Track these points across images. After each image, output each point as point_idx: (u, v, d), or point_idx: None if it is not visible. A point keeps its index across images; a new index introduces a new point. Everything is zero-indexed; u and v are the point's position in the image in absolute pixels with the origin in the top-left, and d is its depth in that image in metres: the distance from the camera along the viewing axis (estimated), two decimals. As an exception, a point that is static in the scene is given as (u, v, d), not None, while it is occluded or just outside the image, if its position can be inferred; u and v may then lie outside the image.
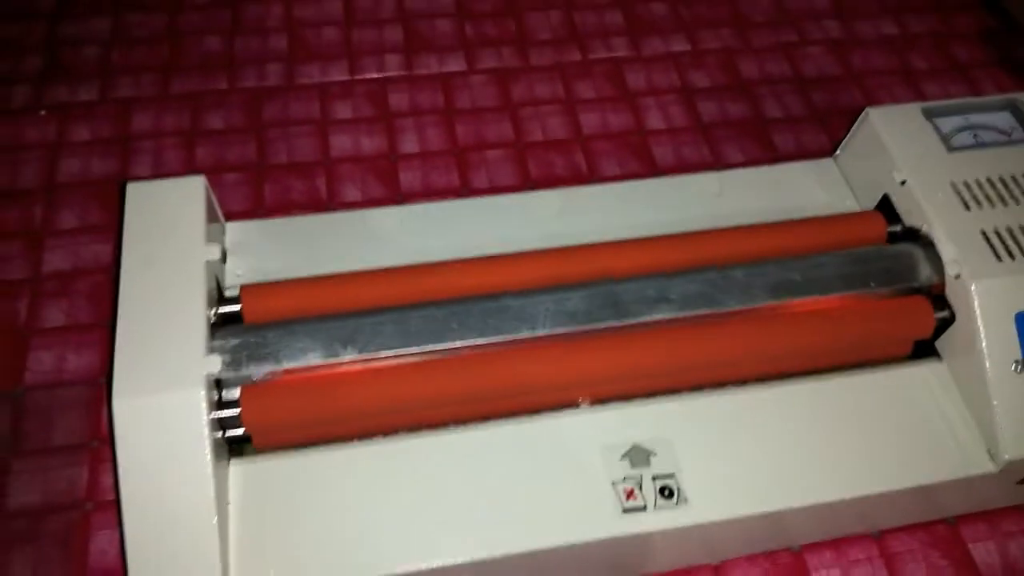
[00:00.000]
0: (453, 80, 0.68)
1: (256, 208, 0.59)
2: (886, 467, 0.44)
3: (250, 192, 0.60)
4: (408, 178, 0.62)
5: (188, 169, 0.61)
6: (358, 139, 0.63)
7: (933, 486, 0.44)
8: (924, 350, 0.48)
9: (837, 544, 0.47)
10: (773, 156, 0.64)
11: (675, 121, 0.66)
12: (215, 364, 0.39)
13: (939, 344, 0.47)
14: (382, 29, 0.71)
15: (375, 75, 0.67)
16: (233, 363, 0.41)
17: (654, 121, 0.66)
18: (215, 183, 0.60)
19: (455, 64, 0.69)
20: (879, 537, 0.48)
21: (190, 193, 0.45)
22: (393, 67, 0.68)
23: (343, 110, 0.65)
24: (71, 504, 0.47)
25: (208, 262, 0.43)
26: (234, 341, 0.41)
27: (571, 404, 0.45)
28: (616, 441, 0.43)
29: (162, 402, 0.38)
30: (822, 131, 0.66)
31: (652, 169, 0.63)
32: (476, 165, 0.63)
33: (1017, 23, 0.74)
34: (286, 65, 0.68)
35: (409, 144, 0.63)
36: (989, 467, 0.44)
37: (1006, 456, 0.43)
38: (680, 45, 0.71)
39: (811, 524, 0.46)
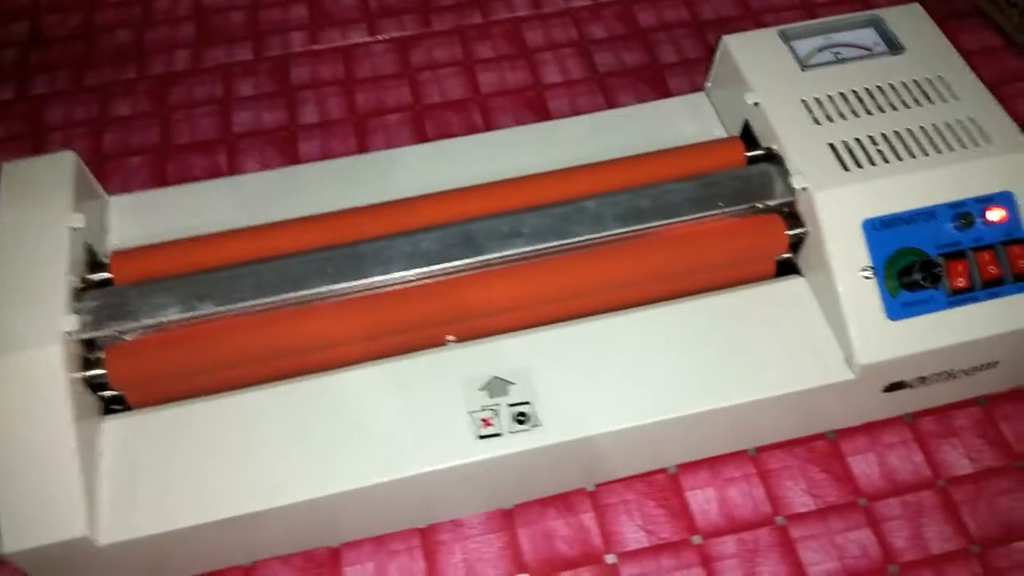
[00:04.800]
0: (355, 51, 0.69)
1: (159, 187, 0.61)
2: (748, 378, 0.44)
3: (153, 172, 0.62)
4: (307, 147, 0.63)
5: (95, 156, 0.63)
6: (259, 114, 0.65)
7: (795, 395, 0.45)
8: (789, 269, 0.48)
9: (712, 463, 0.48)
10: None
11: (572, 74, 0.67)
12: (73, 322, 0.41)
13: (799, 260, 0.48)
14: (287, 8, 0.73)
15: (278, 52, 0.69)
16: (95, 322, 0.43)
17: (551, 75, 0.67)
18: (121, 167, 0.63)
19: (357, 36, 0.70)
20: (755, 455, 0.49)
21: (59, 167, 0.47)
22: (297, 44, 0.70)
23: (246, 88, 0.67)
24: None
25: (75, 229, 0.45)
26: (95, 302, 0.43)
27: (439, 343, 0.46)
28: (477, 374, 0.44)
29: (22, 360, 0.40)
30: (717, 70, 0.66)
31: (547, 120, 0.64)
32: (375, 130, 0.64)
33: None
34: (192, 50, 0.70)
35: (310, 115, 0.65)
36: (848, 374, 0.44)
37: (860, 362, 0.44)
38: (580, 0, 0.72)
39: (683, 442, 0.47)
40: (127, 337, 0.44)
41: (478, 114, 0.65)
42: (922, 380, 0.46)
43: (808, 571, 0.45)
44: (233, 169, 0.62)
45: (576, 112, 0.64)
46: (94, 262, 0.47)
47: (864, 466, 0.48)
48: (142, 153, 0.63)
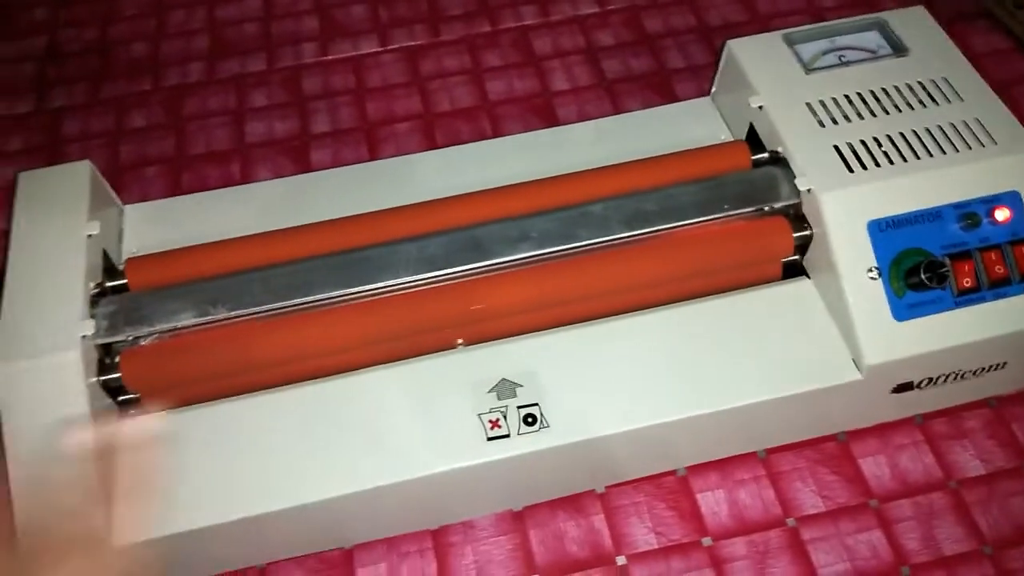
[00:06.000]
0: (365, 61, 0.70)
1: (174, 196, 0.62)
2: (756, 379, 0.45)
3: (168, 182, 0.63)
4: (319, 156, 0.64)
5: (111, 167, 0.64)
6: (272, 124, 0.66)
7: (803, 395, 0.45)
8: (796, 271, 0.48)
9: (722, 465, 0.48)
10: (675, 104, 0.65)
11: (579, 81, 0.68)
12: (89, 327, 0.42)
13: (806, 262, 0.48)
14: (299, 20, 0.74)
15: (290, 63, 0.70)
16: (111, 328, 0.43)
17: (559, 83, 0.68)
18: (137, 177, 0.64)
19: (368, 46, 0.71)
20: (765, 457, 0.49)
21: (75, 177, 0.48)
22: (309, 55, 0.71)
23: (259, 99, 0.68)
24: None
25: (91, 237, 0.46)
26: (111, 308, 0.44)
27: (448, 347, 0.47)
28: (486, 377, 0.45)
29: (41, 365, 0.41)
30: (724, 75, 0.66)
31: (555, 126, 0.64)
32: (385, 138, 0.65)
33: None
34: (206, 62, 0.71)
35: (321, 124, 0.66)
36: (855, 375, 0.44)
37: (868, 362, 0.44)
38: (587, 8, 0.73)
39: (692, 444, 0.47)
40: (143, 342, 0.45)
41: (487, 122, 0.65)
42: (931, 381, 0.46)
43: (819, 573, 0.45)
44: (246, 178, 0.63)
45: (584, 119, 0.65)
46: (110, 269, 0.48)
47: (875, 468, 0.48)
48: (157, 163, 0.64)
